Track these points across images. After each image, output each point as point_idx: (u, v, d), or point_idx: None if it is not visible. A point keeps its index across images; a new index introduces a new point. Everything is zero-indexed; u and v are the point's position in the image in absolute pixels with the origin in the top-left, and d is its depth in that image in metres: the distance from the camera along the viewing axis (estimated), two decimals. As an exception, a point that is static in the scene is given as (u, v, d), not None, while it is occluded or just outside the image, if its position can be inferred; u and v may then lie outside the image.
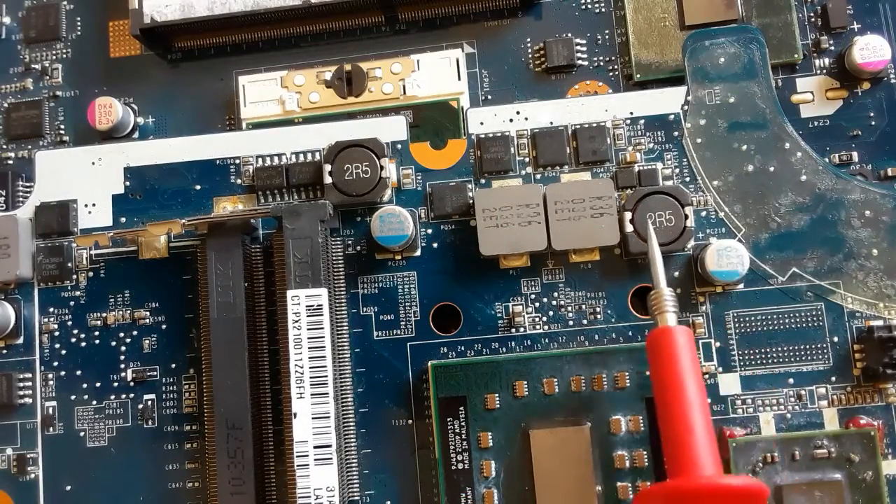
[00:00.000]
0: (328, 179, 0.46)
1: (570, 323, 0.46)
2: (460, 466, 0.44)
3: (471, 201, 0.47)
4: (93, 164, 0.48)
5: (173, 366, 0.47)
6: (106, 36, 0.52)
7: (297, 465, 0.42)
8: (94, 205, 0.48)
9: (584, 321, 0.46)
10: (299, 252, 0.43)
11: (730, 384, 0.45)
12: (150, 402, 0.47)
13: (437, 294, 0.46)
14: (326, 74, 0.49)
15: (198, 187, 0.48)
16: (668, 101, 0.47)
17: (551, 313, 0.46)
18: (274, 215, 0.44)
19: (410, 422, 0.45)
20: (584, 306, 0.46)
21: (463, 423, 0.44)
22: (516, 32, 0.50)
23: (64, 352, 0.47)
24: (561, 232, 0.45)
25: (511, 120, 0.47)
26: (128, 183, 0.48)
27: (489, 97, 0.50)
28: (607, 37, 0.50)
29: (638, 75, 0.48)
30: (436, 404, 0.44)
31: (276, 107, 0.49)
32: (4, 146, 0.51)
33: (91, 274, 0.48)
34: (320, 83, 0.49)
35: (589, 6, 0.50)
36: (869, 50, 0.46)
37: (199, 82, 0.51)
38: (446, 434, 0.44)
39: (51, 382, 0.47)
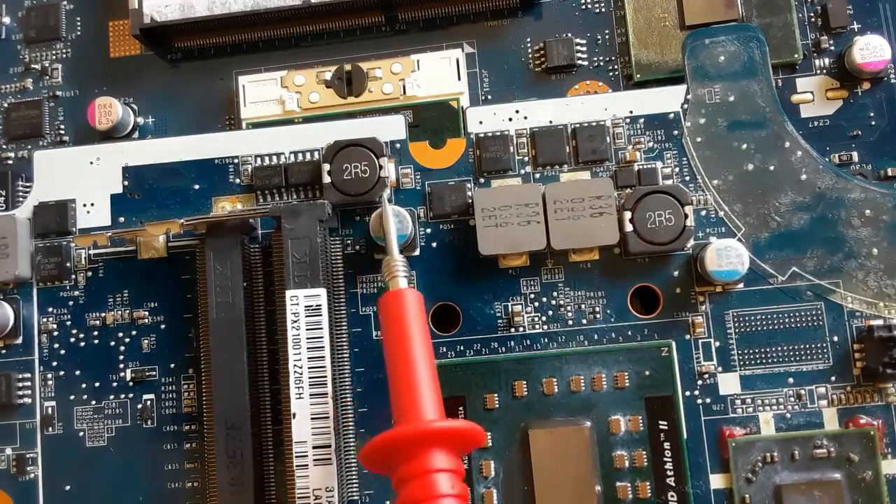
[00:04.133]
0: (327, 179, 0.45)
1: (570, 323, 0.45)
2: (459, 467, 0.44)
3: (470, 201, 0.46)
4: (91, 163, 0.48)
5: (172, 366, 0.46)
6: (106, 36, 0.52)
7: (296, 466, 0.42)
8: (92, 204, 0.47)
9: (584, 321, 0.45)
10: (298, 252, 0.43)
11: (729, 384, 0.44)
12: (149, 402, 0.46)
13: (436, 293, 0.46)
14: (326, 74, 0.49)
15: (196, 187, 0.47)
16: (667, 99, 0.47)
17: (550, 313, 0.46)
18: (273, 215, 0.44)
19: (408, 421, 0.45)
20: (583, 306, 0.46)
21: (462, 423, 0.44)
22: (516, 32, 0.50)
23: (63, 352, 0.47)
24: (560, 231, 0.44)
25: (510, 119, 0.47)
26: (126, 182, 0.47)
27: (489, 97, 0.49)
28: (607, 37, 0.49)
29: (638, 75, 0.48)
30: (435, 404, 0.44)
31: (276, 107, 0.48)
32: (4, 146, 0.51)
33: (90, 274, 0.47)
34: (320, 83, 0.49)
35: (589, 6, 0.50)
36: (869, 50, 0.46)
37: (199, 82, 0.51)
38: (445, 433, 0.44)
39: (50, 382, 0.47)
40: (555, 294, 0.46)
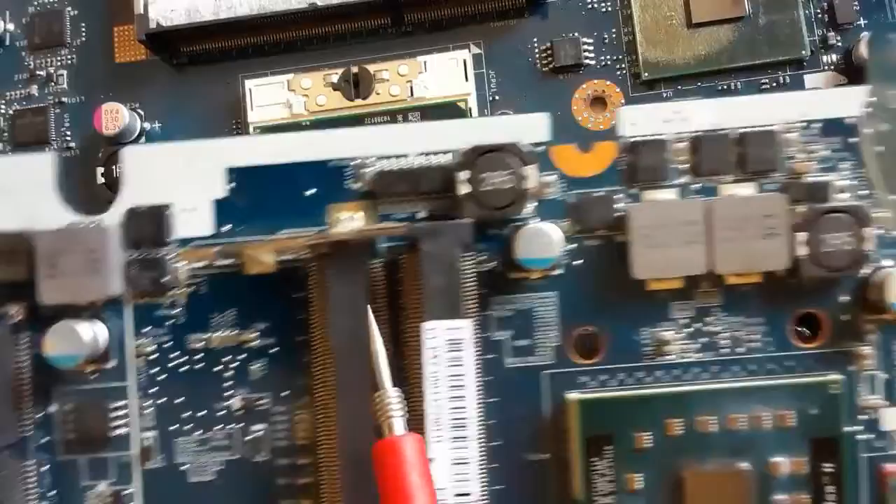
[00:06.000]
0: (465, 189, 0.39)
1: (724, 352, 0.40)
2: (605, 510, 0.40)
3: (618, 214, 0.41)
4: (190, 163, 0.42)
5: (285, 394, 0.41)
6: (111, 41, 0.50)
7: (434, 514, 0.38)
8: (191, 210, 0.41)
9: (739, 349, 0.40)
10: (437, 279, 0.38)
11: (892, 419, 0.40)
12: (259, 433, 0.41)
13: (578, 317, 0.40)
14: (333, 77, 0.47)
15: (309, 192, 0.41)
16: (845, 102, 0.40)
17: (704, 340, 0.39)
18: (409, 235, 0.38)
19: (547, 457, 0.41)
20: (739, 333, 0.40)
21: (609, 464, 0.40)
22: (523, 32, 0.48)
23: (162, 377, 0.41)
24: (725, 254, 0.39)
25: (668, 121, 0.41)
26: (231, 185, 0.42)
27: (496, 97, 0.47)
28: (614, 36, 0.47)
29: (646, 74, 0.46)
30: (580, 442, 0.40)
31: (284, 110, 0.47)
32: (11, 153, 0.49)
33: (191, 290, 0.41)
34: (327, 86, 0.47)
35: (595, 5, 0.48)
36: None
37: (205, 86, 0.49)
38: (589, 474, 0.40)
39: (148, 411, 0.41)
40: (709, 320, 0.40)
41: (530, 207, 0.40)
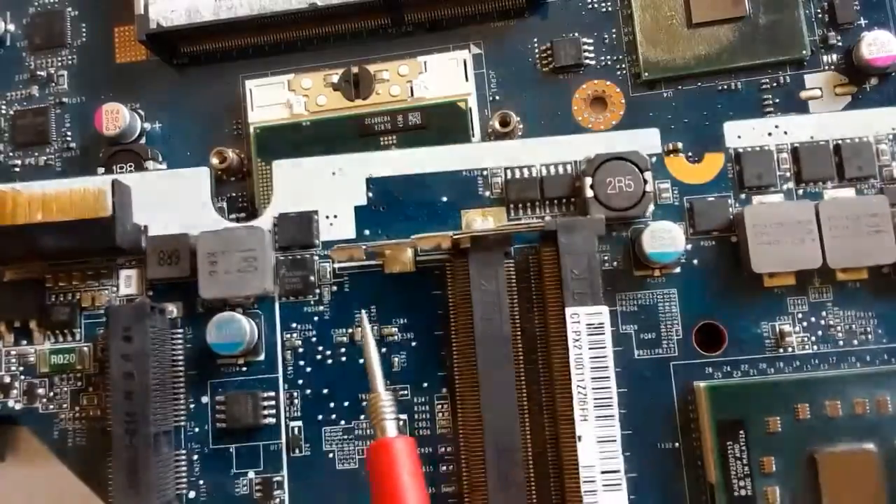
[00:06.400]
0: (590, 193, 0.43)
1: (841, 343, 0.42)
2: (742, 493, 0.40)
3: (731, 217, 0.44)
4: (333, 174, 0.44)
5: (425, 385, 0.42)
6: (111, 42, 0.50)
7: (585, 492, 0.38)
8: (335, 216, 0.43)
9: (855, 341, 0.42)
10: (576, 268, 0.40)
11: None
12: (402, 423, 0.42)
13: (699, 312, 0.42)
14: (333, 77, 0.46)
15: (444, 199, 0.44)
16: (929, 116, 0.44)
17: (820, 333, 0.41)
18: (548, 230, 0.40)
19: (677, 444, 0.42)
20: (854, 326, 0.42)
21: (744, 448, 0.41)
22: (523, 33, 0.47)
23: (309, 369, 0.42)
24: (836, 250, 0.42)
25: (770, 134, 0.45)
26: (371, 194, 0.44)
27: (496, 97, 0.47)
28: (614, 36, 0.47)
29: (646, 73, 0.46)
30: (714, 427, 0.41)
31: (284, 110, 0.46)
32: (11, 153, 0.48)
33: (335, 288, 0.43)
34: (327, 86, 0.46)
35: (595, 5, 0.47)
36: (876, 45, 0.44)
37: (205, 87, 0.48)
38: (726, 459, 0.41)
39: (296, 402, 0.42)
40: (823, 314, 0.42)
41: (649, 210, 0.43)
